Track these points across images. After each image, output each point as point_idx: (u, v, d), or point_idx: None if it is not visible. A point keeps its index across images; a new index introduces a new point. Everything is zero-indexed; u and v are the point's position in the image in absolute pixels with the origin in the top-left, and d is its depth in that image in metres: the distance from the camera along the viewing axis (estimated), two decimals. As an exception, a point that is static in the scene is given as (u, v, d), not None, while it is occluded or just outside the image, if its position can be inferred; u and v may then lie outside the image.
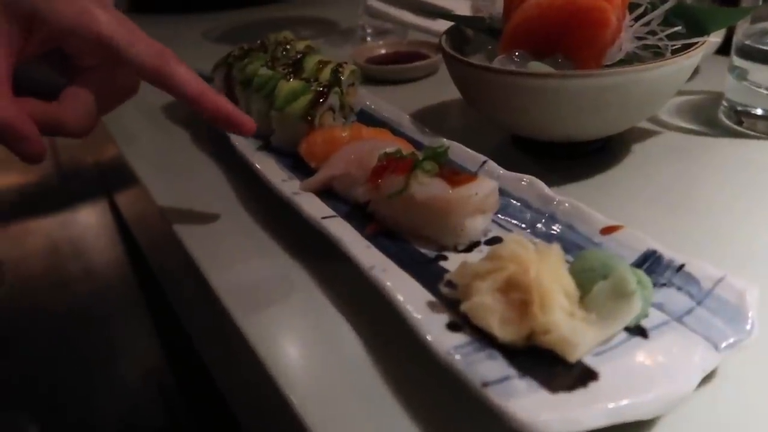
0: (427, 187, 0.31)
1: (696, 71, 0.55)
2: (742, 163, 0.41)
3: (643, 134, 0.46)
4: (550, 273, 0.24)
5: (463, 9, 0.79)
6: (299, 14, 0.89)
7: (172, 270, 0.55)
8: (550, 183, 0.39)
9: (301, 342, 0.30)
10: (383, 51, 0.65)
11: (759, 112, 0.45)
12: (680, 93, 0.51)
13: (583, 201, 0.37)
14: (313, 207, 0.34)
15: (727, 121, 0.47)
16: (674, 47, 0.38)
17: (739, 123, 0.46)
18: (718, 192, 0.38)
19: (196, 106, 0.35)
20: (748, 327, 0.24)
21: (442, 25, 0.75)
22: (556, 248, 0.25)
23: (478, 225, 0.31)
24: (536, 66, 0.38)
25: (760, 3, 0.43)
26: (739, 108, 0.46)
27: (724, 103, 0.47)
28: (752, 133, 0.45)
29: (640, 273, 0.25)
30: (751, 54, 0.44)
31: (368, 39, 0.73)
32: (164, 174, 0.48)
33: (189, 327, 0.59)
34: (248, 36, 0.82)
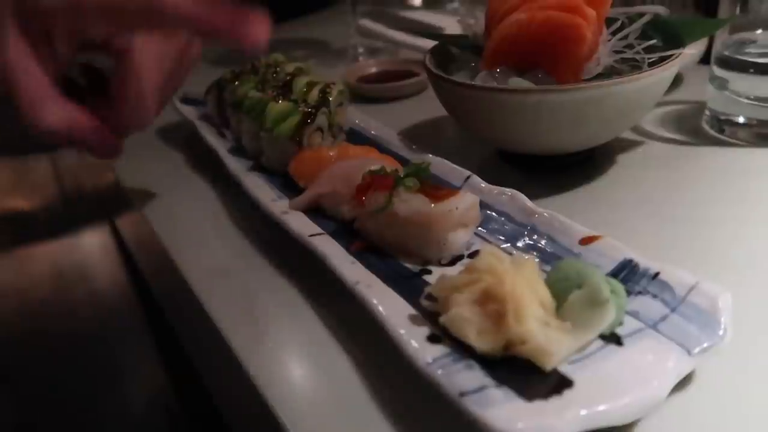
0: (409, 202, 0.31)
1: (679, 81, 0.56)
2: (723, 170, 0.42)
3: (628, 145, 0.47)
4: (525, 284, 0.24)
5: (452, 25, 0.81)
6: (293, 35, 0.91)
7: (171, 293, 0.56)
8: (536, 195, 0.40)
9: (293, 360, 0.31)
10: (374, 69, 0.66)
11: (740, 120, 0.45)
12: (664, 103, 0.52)
13: (568, 211, 0.38)
14: (301, 225, 0.35)
15: (709, 130, 0.47)
16: (651, 60, 0.39)
17: (721, 131, 0.47)
18: (699, 199, 0.39)
19: (198, 29, 0.33)
20: (721, 332, 0.24)
21: (431, 43, 0.77)
22: (530, 260, 0.25)
23: (460, 239, 0.32)
24: (517, 82, 0.39)
25: (737, 13, 0.44)
26: (721, 117, 0.47)
27: (707, 112, 0.48)
28: (734, 141, 0.45)
29: (614, 282, 0.26)
30: (730, 64, 0.45)
31: (360, 58, 0.75)
32: (160, 197, 0.49)
33: (189, 350, 0.60)
34: (243, 57, 0.84)
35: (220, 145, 0.47)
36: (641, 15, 0.41)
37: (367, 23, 0.86)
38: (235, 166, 0.44)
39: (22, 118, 0.34)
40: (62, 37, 0.34)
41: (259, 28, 0.33)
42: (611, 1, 0.39)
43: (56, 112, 0.34)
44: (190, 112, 0.54)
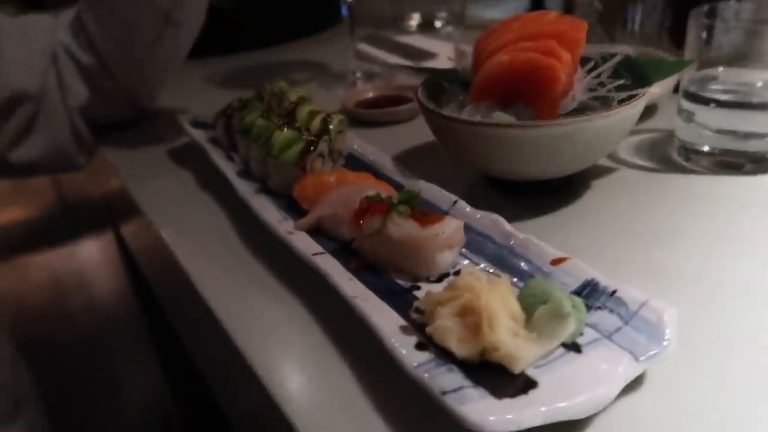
0: (401, 227, 0.36)
1: (654, 110, 0.60)
2: (686, 196, 0.46)
3: (603, 171, 0.51)
4: (498, 299, 0.28)
5: (446, 50, 0.86)
6: (294, 58, 0.95)
7: (178, 300, 0.60)
8: (517, 217, 0.44)
9: (298, 364, 0.35)
10: (371, 95, 0.70)
11: (705, 149, 0.50)
12: (639, 131, 0.57)
13: (545, 233, 0.42)
14: (305, 245, 0.39)
15: (678, 158, 0.52)
16: (620, 98, 0.43)
17: (688, 159, 0.51)
18: (662, 222, 0.43)
19: None
20: (665, 342, 0.28)
21: (425, 67, 0.81)
22: (504, 279, 0.30)
23: (446, 259, 0.36)
24: (500, 116, 0.43)
25: (701, 53, 0.49)
26: (688, 146, 0.51)
27: (676, 141, 0.52)
28: (698, 168, 0.50)
29: (576, 299, 0.30)
30: (696, 98, 0.50)
31: (358, 82, 0.79)
32: (170, 210, 0.53)
33: (193, 353, 0.64)
34: (248, 79, 0.88)
35: (228, 168, 0.52)
36: (614, 55, 0.46)
37: (364, 47, 0.90)
38: (244, 188, 0.48)
39: None
40: None
41: None
42: (584, 45, 0.44)
43: None
44: (200, 135, 0.59)
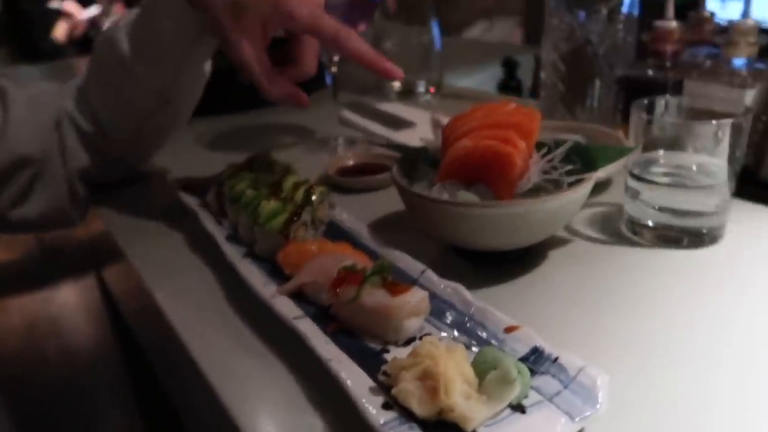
0: (374, 296, 0.40)
1: (608, 184, 0.67)
2: (630, 267, 0.52)
3: (559, 242, 0.56)
4: (454, 366, 0.33)
5: (424, 119, 0.92)
6: (281, 121, 1.01)
7: (161, 347, 0.63)
8: (480, 285, 0.49)
9: (277, 417, 0.38)
10: (352, 162, 0.76)
11: (650, 224, 0.56)
12: (593, 204, 0.63)
13: (503, 301, 0.47)
14: (287, 308, 0.44)
15: (626, 232, 0.58)
16: (570, 181, 0.49)
17: (635, 233, 0.57)
18: (607, 292, 0.48)
19: (365, 65, 0.56)
20: (598, 405, 0.33)
21: (404, 135, 0.88)
22: (460, 347, 0.34)
23: (413, 325, 0.40)
24: (464, 195, 0.48)
25: (642, 139, 0.55)
26: (634, 220, 0.57)
27: (624, 215, 0.58)
28: (643, 242, 0.55)
29: (521, 365, 0.34)
30: (640, 178, 0.56)
31: (340, 148, 0.85)
32: (162, 271, 0.57)
33: (174, 402, 0.66)
34: (237, 141, 0.94)
35: (218, 232, 0.56)
36: (566, 141, 0.52)
37: (347, 114, 0.97)
38: (232, 252, 0.53)
39: (260, 92, 0.57)
40: (272, 30, 0.57)
41: (394, 75, 0.58)
42: (538, 133, 0.50)
43: (279, 86, 0.57)
44: (191, 200, 0.63)
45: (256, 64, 0.56)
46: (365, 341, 0.41)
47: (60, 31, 3.77)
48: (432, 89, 1.10)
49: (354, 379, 0.36)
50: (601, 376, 0.34)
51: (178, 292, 0.54)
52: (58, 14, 3.82)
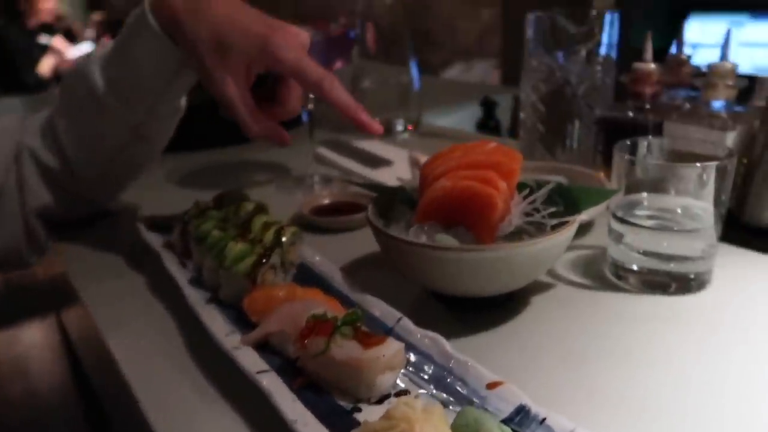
0: (344, 348, 0.37)
1: (590, 227, 0.65)
2: (616, 314, 0.49)
3: (542, 287, 0.54)
4: (432, 430, 0.30)
5: (402, 157, 0.90)
6: (256, 158, 0.99)
7: (116, 395, 0.58)
8: (459, 333, 0.46)
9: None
10: (327, 201, 0.73)
11: (634, 268, 0.54)
12: (575, 248, 0.61)
13: (484, 351, 0.44)
14: (250, 361, 0.40)
15: (610, 276, 0.55)
16: (553, 224, 0.47)
17: (619, 278, 0.54)
18: (593, 342, 0.46)
19: (346, 115, 0.57)
20: (589, 472, 0.30)
21: (381, 173, 0.86)
22: (438, 408, 0.31)
23: (387, 381, 0.37)
24: (442, 238, 0.46)
25: (624, 181, 0.53)
26: (618, 264, 0.55)
27: (608, 259, 0.56)
28: (627, 287, 0.53)
29: (505, 428, 0.31)
30: (623, 221, 0.54)
31: (316, 186, 0.82)
32: (118, 314, 0.53)
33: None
34: (209, 177, 0.91)
35: (181, 275, 0.52)
36: (548, 182, 0.50)
37: (323, 151, 0.95)
38: (194, 297, 0.49)
39: (242, 130, 0.57)
40: (257, 70, 0.57)
41: (374, 130, 0.60)
42: (519, 174, 0.48)
43: (262, 125, 0.57)
44: (155, 239, 0.60)
45: (240, 102, 0.56)
46: (335, 398, 0.38)
47: (46, 66, 3.75)
48: (410, 127, 1.08)
49: (321, 443, 0.32)
50: (591, 439, 0.31)
51: (134, 339, 0.50)
52: (46, 50, 3.80)
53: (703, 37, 1.83)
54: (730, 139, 0.61)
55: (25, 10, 3.86)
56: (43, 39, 3.84)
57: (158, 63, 0.60)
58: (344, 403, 0.37)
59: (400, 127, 1.08)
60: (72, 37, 4.19)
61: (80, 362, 0.86)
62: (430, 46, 3.67)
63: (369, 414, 0.35)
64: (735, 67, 0.63)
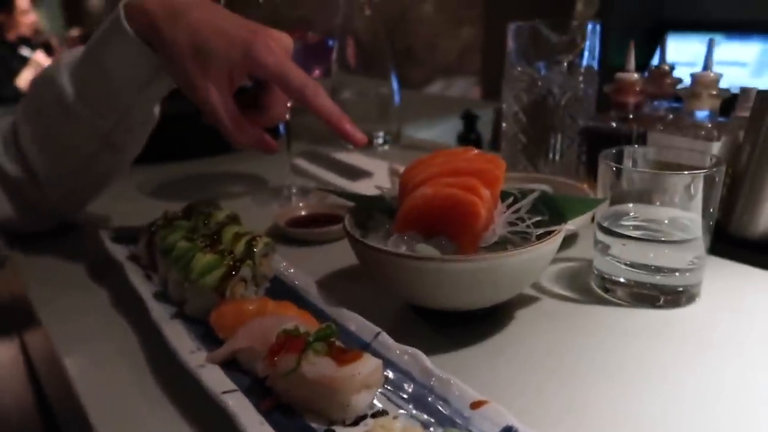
0: (317, 366, 0.34)
1: (575, 239, 0.63)
2: (604, 329, 0.47)
3: (526, 300, 0.52)
4: (411, 455, 0.27)
5: (382, 169, 0.88)
6: (232, 169, 0.96)
7: (72, 419, 0.54)
8: (441, 349, 0.44)
9: None
10: (303, 212, 0.70)
11: (621, 280, 0.52)
12: (560, 260, 0.59)
13: (468, 368, 0.42)
14: (215, 380, 0.37)
15: (596, 289, 0.53)
16: (538, 233, 0.45)
17: (605, 291, 0.53)
18: (581, 358, 0.43)
19: (328, 124, 0.54)
20: (583, 501, 0.27)
21: (360, 185, 0.83)
22: (418, 430, 0.28)
23: (363, 400, 0.34)
24: (422, 248, 0.43)
25: (609, 190, 0.51)
26: (605, 276, 0.53)
27: (594, 271, 0.54)
28: (615, 300, 0.51)
29: (491, 452, 0.29)
30: (609, 232, 0.52)
31: (293, 198, 0.79)
32: (76, 330, 0.50)
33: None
34: (182, 189, 0.88)
35: (145, 289, 0.49)
36: (533, 191, 0.48)
37: (301, 163, 0.92)
38: (158, 311, 0.46)
39: (226, 138, 0.55)
40: (239, 75, 0.54)
41: (357, 140, 0.56)
42: (502, 182, 0.46)
43: (246, 133, 0.55)
44: (119, 251, 0.56)
45: (223, 110, 0.53)
46: (306, 420, 0.35)
47: (25, 79, 3.68)
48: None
49: (289, 471, 0.29)
50: (584, 463, 0.29)
51: (92, 359, 0.46)
52: (26, 62, 3.73)
53: (678, 56, 1.86)
54: (716, 149, 0.60)
55: (4, 23, 3.80)
56: (25, 51, 3.77)
57: (131, 69, 0.57)
58: (317, 425, 0.34)
59: (380, 140, 1.06)
60: (50, 52, 4.13)
61: (41, 385, 0.82)
62: (411, 63, 3.69)
63: (343, 437, 0.32)
64: (719, 76, 0.62)
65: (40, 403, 1.09)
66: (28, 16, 3.97)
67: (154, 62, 0.56)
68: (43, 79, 0.60)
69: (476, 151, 0.49)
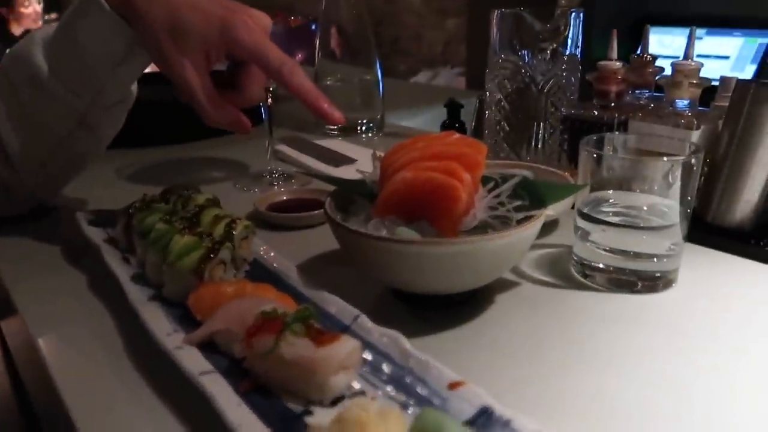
0: (295, 347, 0.34)
1: (555, 225, 0.63)
2: (582, 314, 0.48)
3: (506, 285, 0.52)
4: (387, 434, 0.27)
5: (365, 155, 0.88)
6: (212, 155, 0.95)
7: (52, 413, 0.54)
8: (421, 332, 0.44)
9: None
10: (285, 198, 0.70)
11: (600, 266, 0.52)
12: (540, 246, 0.59)
13: (446, 351, 0.42)
14: (193, 362, 0.37)
15: (576, 274, 0.54)
16: (519, 218, 0.45)
17: (585, 276, 0.53)
18: (559, 342, 0.44)
19: (306, 103, 0.54)
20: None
21: (343, 171, 0.83)
22: (395, 410, 0.28)
23: (341, 382, 0.34)
24: (402, 231, 0.43)
25: (590, 177, 0.52)
26: (584, 262, 0.53)
27: (574, 257, 0.55)
28: (594, 285, 0.52)
29: (467, 431, 0.29)
30: (589, 218, 0.52)
31: (275, 183, 0.79)
32: (52, 315, 0.49)
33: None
34: (161, 174, 0.86)
35: (122, 271, 0.48)
36: (513, 176, 0.48)
37: (284, 148, 0.91)
38: (135, 294, 0.45)
39: (201, 116, 0.54)
40: (216, 53, 0.53)
41: (334, 119, 0.56)
42: (484, 166, 0.46)
43: (222, 112, 0.54)
44: (96, 233, 0.56)
45: (199, 87, 0.53)
46: (284, 401, 0.34)
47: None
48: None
49: (265, 451, 0.29)
50: (559, 442, 0.29)
51: (68, 342, 0.46)
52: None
53: (662, 50, 1.87)
54: (695, 137, 0.61)
55: (7, 17, 3.70)
56: (17, 30, 3.68)
57: (106, 45, 0.56)
58: (295, 406, 0.34)
59: (363, 127, 1.05)
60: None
61: (18, 372, 0.81)
62: (396, 54, 3.68)
63: (321, 417, 0.32)
64: (699, 66, 0.62)
65: (17, 390, 1.08)
66: (29, 7, 3.86)
67: (129, 38, 0.55)
68: (17, 55, 0.59)
69: (457, 135, 0.48)
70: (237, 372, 0.37)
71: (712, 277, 0.53)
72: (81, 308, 0.50)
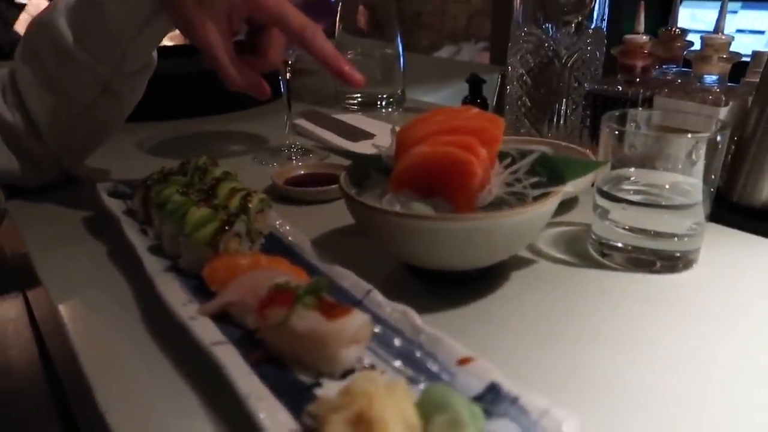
0: (306, 319, 0.34)
1: (574, 203, 0.62)
2: (599, 293, 0.47)
3: (522, 263, 0.51)
4: (394, 407, 0.27)
5: (384, 130, 0.87)
6: (232, 129, 0.95)
7: (75, 380, 0.55)
8: (434, 308, 0.44)
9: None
10: (302, 172, 0.70)
11: (619, 245, 0.51)
12: (558, 224, 0.58)
13: (458, 327, 0.42)
14: (206, 332, 0.37)
15: (594, 253, 0.53)
16: (535, 195, 0.44)
17: (603, 255, 0.52)
18: (574, 321, 0.43)
19: (327, 66, 0.54)
20: (564, 454, 0.27)
21: (362, 146, 0.82)
22: (402, 384, 0.28)
23: (351, 355, 0.34)
24: (417, 207, 0.43)
25: (611, 155, 0.51)
26: (603, 241, 0.52)
27: (592, 236, 0.54)
28: (613, 265, 0.51)
29: (475, 407, 0.29)
30: (609, 196, 0.51)
31: (293, 157, 0.79)
32: (73, 284, 0.50)
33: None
34: (182, 147, 0.87)
35: (140, 242, 0.49)
36: (531, 151, 0.47)
37: (302, 123, 0.91)
38: (152, 265, 0.46)
39: (223, 80, 0.54)
40: (238, 17, 0.53)
41: (355, 81, 0.56)
42: (501, 141, 0.45)
43: (244, 76, 0.54)
44: (116, 205, 0.56)
45: (222, 50, 0.53)
46: (295, 373, 0.35)
47: (23, 22, 3.61)
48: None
49: (274, 419, 0.29)
50: (568, 420, 0.29)
51: (88, 309, 0.47)
52: (23, 8, 3.66)
53: (693, 24, 1.81)
54: (723, 114, 0.59)
55: None
56: None
57: (129, 8, 0.56)
58: (306, 378, 0.34)
59: (384, 102, 1.04)
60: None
61: (44, 341, 0.83)
62: (419, 29, 3.62)
63: (331, 389, 0.32)
64: (730, 39, 0.60)
65: (43, 357, 1.11)
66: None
67: (153, 1, 0.55)
68: (41, 22, 0.60)
69: (476, 110, 0.48)
70: (249, 343, 0.37)
71: (735, 258, 0.52)
72: (101, 277, 0.51)
